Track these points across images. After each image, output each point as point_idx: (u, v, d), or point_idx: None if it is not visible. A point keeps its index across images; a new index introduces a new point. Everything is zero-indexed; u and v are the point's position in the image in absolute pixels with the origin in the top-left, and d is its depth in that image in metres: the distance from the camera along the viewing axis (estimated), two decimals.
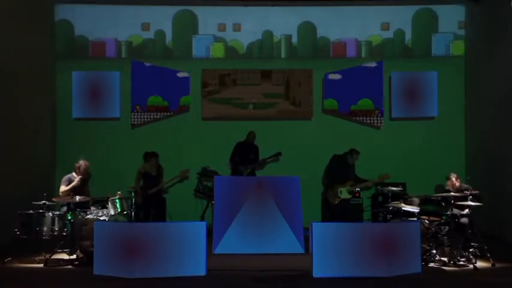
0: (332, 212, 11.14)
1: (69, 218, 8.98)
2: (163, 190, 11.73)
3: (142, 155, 11.43)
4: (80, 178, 9.71)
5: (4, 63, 10.65)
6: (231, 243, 9.71)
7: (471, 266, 8.42)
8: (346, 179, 10.98)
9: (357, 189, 11.35)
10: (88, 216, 9.09)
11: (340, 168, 11.08)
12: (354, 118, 10.88)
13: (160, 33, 13.56)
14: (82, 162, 9.78)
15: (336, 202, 10.95)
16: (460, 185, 9.49)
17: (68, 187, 9.65)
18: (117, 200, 9.62)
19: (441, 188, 9.81)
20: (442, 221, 8.82)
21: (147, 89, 12.34)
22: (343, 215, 10.87)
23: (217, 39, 13.58)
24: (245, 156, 12.02)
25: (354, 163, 11.17)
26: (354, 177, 11.12)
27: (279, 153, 12.09)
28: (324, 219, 11.73)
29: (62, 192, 9.65)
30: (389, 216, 9.65)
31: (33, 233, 8.73)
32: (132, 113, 12.62)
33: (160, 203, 11.57)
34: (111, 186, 10.56)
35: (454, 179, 9.53)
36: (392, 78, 10.51)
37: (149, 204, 11.00)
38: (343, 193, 10.94)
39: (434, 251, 8.67)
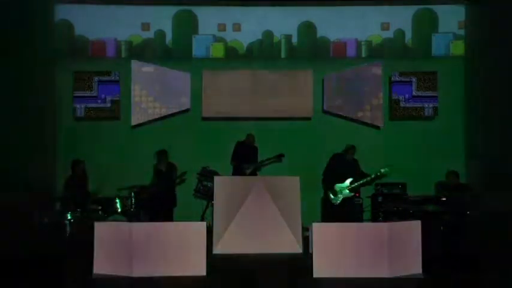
0: (334, 213, 11.03)
1: (69, 218, 8.99)
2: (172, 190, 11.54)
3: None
4: (82, 177, 9.76)
5: (4, 63, 10.65)
6: (231, 243, 9.71)
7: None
8: (346, 177, 10.96)
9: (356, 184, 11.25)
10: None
11: (339, 166, 11.01)
12: (355, 118, 10.85)
13: (160, 33, 13.57)
14: (75, 162, 9.80)
15: (338, 202, 10.86)
16: (459, 184, 9.53)
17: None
18: (117, 200, 9.63)
19: (441, 185, 9.83)
20: (442, 220, 8.83)
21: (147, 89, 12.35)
22: (346, 214, 10.80)
23: (217, 39, 13.59)
24: (244, 159, 11.95)
25: (352, 159, 11.09)
26: (359, 173, 10.96)
27: (281, 155, 11.77)
28: (324, 219, 11.69)
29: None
30: (389, 216, 9.64)
31: None
32: (132, 113, 12.65)
33: (169, 203, 11.21)
34: (111, 186, 10.59)
35: (454, 176, 9.59)
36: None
37: (156, 203, 10.92)
38: (344, 191, 10.89)
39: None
